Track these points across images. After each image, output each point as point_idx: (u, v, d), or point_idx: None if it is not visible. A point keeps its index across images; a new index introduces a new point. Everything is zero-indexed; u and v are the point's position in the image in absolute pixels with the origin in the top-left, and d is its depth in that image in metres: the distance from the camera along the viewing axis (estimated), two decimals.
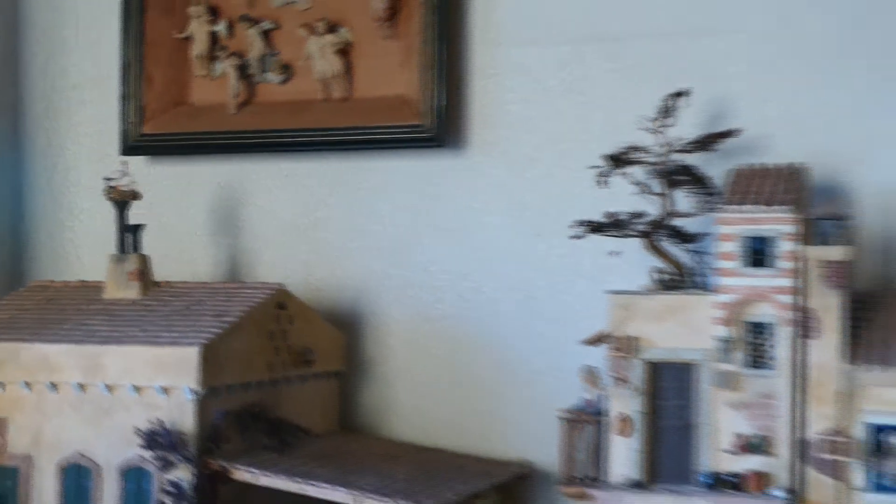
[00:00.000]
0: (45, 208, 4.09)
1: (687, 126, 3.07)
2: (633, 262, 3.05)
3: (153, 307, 3.24)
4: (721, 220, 2.77)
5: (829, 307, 2.69)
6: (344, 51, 3.64)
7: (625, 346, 2.83)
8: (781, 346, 2.72)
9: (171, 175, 3.87)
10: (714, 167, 3.02)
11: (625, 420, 2.82)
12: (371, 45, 3.62)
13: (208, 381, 2.95)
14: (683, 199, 3.03)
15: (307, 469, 2.99)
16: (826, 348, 2.69)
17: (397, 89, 3.55)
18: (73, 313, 3.27)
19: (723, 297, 2.76)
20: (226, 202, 3.81)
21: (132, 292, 3.33)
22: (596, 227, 3.01)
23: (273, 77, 3.74)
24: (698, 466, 2.78)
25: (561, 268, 3.38)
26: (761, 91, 3.19)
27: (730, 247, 2.75)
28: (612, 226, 3.01)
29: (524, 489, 3.36)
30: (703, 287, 2.91)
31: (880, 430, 2.65)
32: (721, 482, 2.74)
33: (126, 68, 3.85)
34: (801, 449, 2.70)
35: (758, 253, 2.73)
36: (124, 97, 3.85)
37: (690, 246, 3.04)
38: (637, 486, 2.80)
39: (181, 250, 3.79)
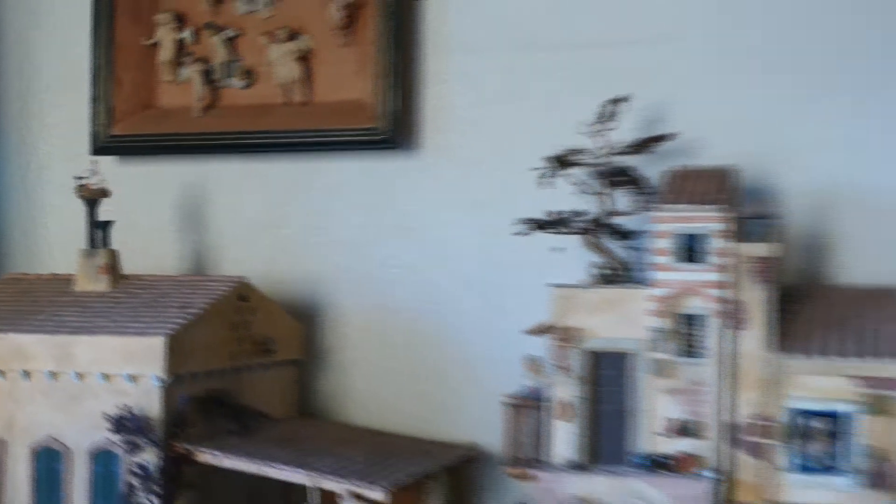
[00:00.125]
0: (18, 205, 4.11)
1: (625, 129, 3.11)
2: (574, 257, 3.06)
3: (122, 299, 3.28)
4: (656, 218, 2.81)
5: (757, 300, 2.74)
6: (304, 57, 3.67)
7: (566, 337, 2.87)
8: (712, 337, 2.77)
9: (139, 174, 3.89)
10: (651, 168, 3.06)
11: (566, 406, 2.87)
12: (329, 52, 3.65)
13: (174, 368, 2.99)
14: (622, 198, 3.07)
15: (267, 452, 3.02)
16: (754, 338, 2.74)
17: (354, 94, 3.58)
18: (46, 305, 3.29)
19: (657, 291, 2.80)
20: (191, 200, 3.84)
21: (102, 285, 3.36)
22: (540, 225, 3.05)
23: (236, 82, 3.78)
24: (634, 449, 2.83)
25: (507, 263, 3.41)
26: (696, 97, 3.22)
27: (664, 243, 2.79)
28: (555, 223, 3.04)
29: (472, 470, 3.41)
30: (640, 281, 2.92)
31: (803, 414, 2.72)
32: (655, 463, 2.79)
33: (96, 72, 3.86)
34: (731, 432, 2.75)
35: (690, 249, 2.77)
36: (95, 99, 3.87)
37: (628, 242, 3.07)
38: (577, 467, 2.85)
39: (148, 245, 3.79)
